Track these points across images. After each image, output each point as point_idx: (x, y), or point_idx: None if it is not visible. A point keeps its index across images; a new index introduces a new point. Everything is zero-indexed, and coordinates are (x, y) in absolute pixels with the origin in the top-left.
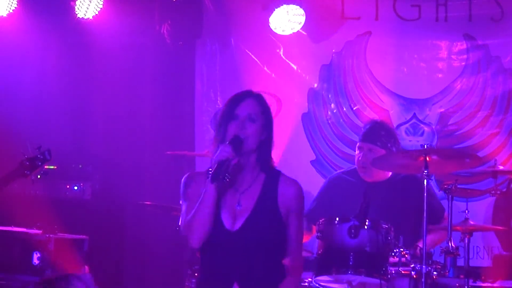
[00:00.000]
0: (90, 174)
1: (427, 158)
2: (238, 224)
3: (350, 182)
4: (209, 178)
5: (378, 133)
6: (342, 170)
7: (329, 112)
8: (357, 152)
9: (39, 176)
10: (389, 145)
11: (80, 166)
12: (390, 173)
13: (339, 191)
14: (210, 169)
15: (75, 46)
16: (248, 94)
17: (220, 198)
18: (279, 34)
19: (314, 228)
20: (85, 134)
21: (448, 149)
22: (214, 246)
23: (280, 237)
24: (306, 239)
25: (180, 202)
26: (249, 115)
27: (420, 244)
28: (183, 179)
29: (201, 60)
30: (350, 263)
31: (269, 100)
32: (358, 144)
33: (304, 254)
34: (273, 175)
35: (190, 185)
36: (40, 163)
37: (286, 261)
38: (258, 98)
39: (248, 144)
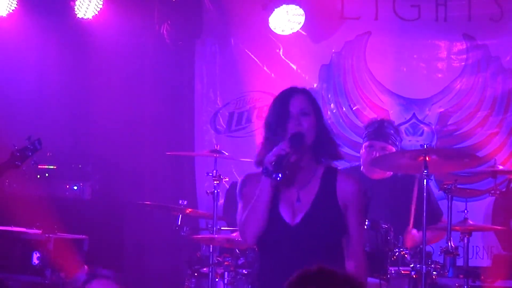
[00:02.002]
0: (89, 174)
1: (427, 158)
2: (298, 218)
3: None
4: (264, 173)
5: (388, 131)
6: (348, 166)
7: (329, 112)
8: (364, 150)
9: (38, 176)
10: (397, 143)
11: (80, 166)
12: (388, 173)
13: None
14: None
15: (74, 46)
16: (296, 90)
17: (278, 193)
18: (279, 34)
19: None
20: (84, 134)
21: (447, 149)
22: (274, 241)
23: (340, 233)
24: None
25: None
26: (302, 110)
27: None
28: (240, 179)
29: (201, 60)
30: None
31: (268, 100)
32: (367, 142)
33: None
34: (331, 171)
35: (246, 185)
36: (30, 153)
37: (349, 265)
38: (306, 93)
39: (307, 139)
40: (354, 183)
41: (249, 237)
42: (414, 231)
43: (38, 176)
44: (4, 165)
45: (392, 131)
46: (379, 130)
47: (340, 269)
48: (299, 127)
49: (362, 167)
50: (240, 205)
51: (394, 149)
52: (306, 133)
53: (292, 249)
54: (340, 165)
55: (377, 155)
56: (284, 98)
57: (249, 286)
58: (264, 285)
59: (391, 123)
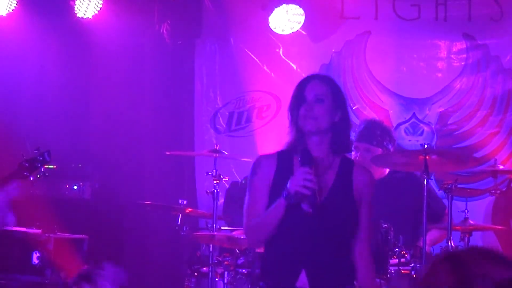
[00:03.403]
0: (89, 174)
1: (427, 157)
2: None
3: None
4: (286, 197)
5: (373, 132)
6: None
7: None
8: (353, 152)
9: (38, 176)
10: (385, 143)
11: (80, 165)
12: (387, 172)
13: None
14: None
15: (74, 45)
16: (314, 76)
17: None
18: (279, 34)
19: None
20: (84, 134)
21: (447, 150)
22: (291, 228)
23: (353, 224)
24: None
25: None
26: (316, 96)
27: (420, 244)
28: (252, 164)
29: (201, 60)
30: None
31: (268, 99)
32: (354, 144)
33: None
34: (347, 162)
35: (256, 173)
36: (39, 165)
37: (359, 257)
38: (325, 79)
39: (319, 125)
40: (370, 175)
41: (254, 243)
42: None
43: (38, 176)
44: (12, 176)
45: (378, 132)
46: (364, 132)
47: (348, 262)
48: (310, 112)
49: None
50: (247, 197)
51: (380, 150)
52: (317, 120)
53: (307, 237)
54: None
55: (360, 157)
56: (302, 84)
57: (249, 285)
58: (273, 273)
59: (378, 123)
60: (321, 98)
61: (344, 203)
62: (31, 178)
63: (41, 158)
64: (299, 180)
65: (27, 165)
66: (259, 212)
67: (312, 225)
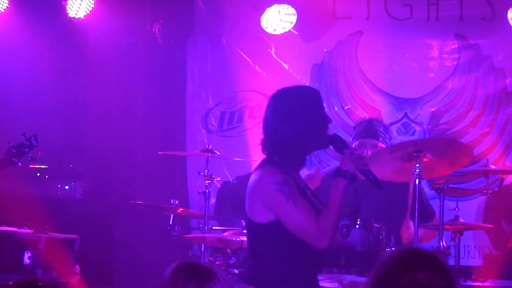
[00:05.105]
0: (81, 174)
1: (419, 156)
2: None
3: None
4: (348, 177)
5: (378, 129)
6: (335, 166)
7: None
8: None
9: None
10: (387, 140)
11: (71, 165)
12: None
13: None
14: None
15: (66, 45)
16: None
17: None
18: (271, 34)
19: None
20: (76, 134)
21: (438, 139)
22: None
23: None
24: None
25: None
26: None
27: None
28: (280, 179)
29: (193, 60)
30: (342, 262)
31: (260, 99)
32: (358, 141)
33: None
34: None
35: (290, 185)
36: (27, 150)
37: None
38: None
39: None
40: None
41: (330, 239)
42: (411, 223)
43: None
44: (1, 163)
45: (381, 129)
46: (369, 128)
47: None
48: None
49: None
50: (304, 209)
51: (384, 147)
52: None
53: None
54: (333, 165)
55: (369, 152)
56: (320, 98)
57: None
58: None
59: (380, 121)
60: None
61: None
62: (20, 164)
63: (28, 143)
64: (355, 161)
65: (14, 151)
66: (316, 214)
67: None
